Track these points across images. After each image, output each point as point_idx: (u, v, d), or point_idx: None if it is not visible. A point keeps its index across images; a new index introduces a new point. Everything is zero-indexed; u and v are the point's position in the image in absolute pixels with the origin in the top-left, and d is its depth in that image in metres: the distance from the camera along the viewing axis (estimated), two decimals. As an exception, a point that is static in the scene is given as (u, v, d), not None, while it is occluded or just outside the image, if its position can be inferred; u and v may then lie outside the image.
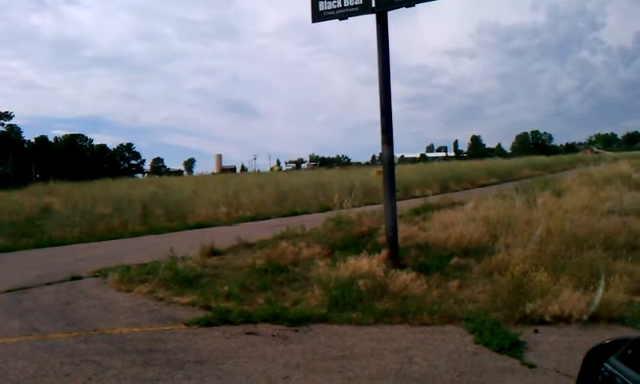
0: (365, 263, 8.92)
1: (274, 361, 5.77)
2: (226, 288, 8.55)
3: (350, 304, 7.52)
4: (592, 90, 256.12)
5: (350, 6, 10.39)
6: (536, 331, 6.57)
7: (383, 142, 10.26)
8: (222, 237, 13.39)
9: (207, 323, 7.13)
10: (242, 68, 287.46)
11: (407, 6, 10.04)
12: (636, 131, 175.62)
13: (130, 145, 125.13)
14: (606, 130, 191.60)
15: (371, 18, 10.29)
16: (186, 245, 12.19)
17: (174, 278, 9.23)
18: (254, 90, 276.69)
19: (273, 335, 6.65)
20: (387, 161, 10.34)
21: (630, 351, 2.19)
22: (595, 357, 2.35)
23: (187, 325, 7.15)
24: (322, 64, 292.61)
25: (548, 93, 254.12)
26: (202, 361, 5.83)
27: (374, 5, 10.18)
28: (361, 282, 8.03)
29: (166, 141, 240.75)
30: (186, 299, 8.33)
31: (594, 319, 6.80)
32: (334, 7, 10.52)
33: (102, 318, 7.70)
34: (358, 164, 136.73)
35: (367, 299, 7.69)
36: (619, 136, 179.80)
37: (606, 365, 2.22)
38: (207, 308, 7.82)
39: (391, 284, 8.23)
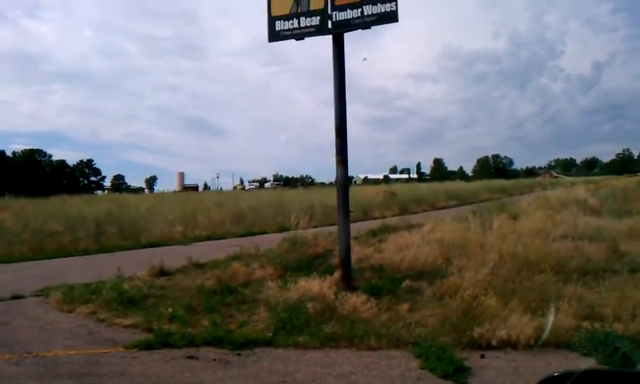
0: (315, 285, 8.81)
1: (212, 387, 5.58)
2: (170, 310, 8.30)
3: (297, 327, 7.34)
4: (552, 116, 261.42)
5: (306, 27, 10.40)
6: (482, 356, 6.50)
7: (338, 163, 10.23)
8: (175, 256, 13.13)
9: (147, 346, 6.85)
10: (205, 86, 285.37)
11: (363, 28, 10.08)
12: (594, 157, 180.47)
13: (90, 161, 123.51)
14: (565, 155, 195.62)
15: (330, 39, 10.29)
16: (136, 264, 11.86)
17: (119, 298, 8.92)
18: (217, 109, 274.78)
19: (214, 359, 6.43)
20: (341, 181, 10.31)
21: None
22: None
23: (126, 348, 6.86)
24: (285, 84, 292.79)
25: (509, 118, 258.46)
26: (138, 386, 5.60)
27: (330, 26, 10.22)
28: (310, 305, 7.89)
29: (127, 158, 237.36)
30: (128, 321, 8.04)
31: (542, 344, 6.78)
32: (291, 27, 10.51)
33: (38, 340, 7.36)
34: (322, 184, 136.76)
35: (315, 322, 7.52)
36: (578, 161, 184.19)
37: None
38: (150, 330, 7.54)
39: (340, 307, 8.10)
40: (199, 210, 24.64)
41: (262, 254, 12.86)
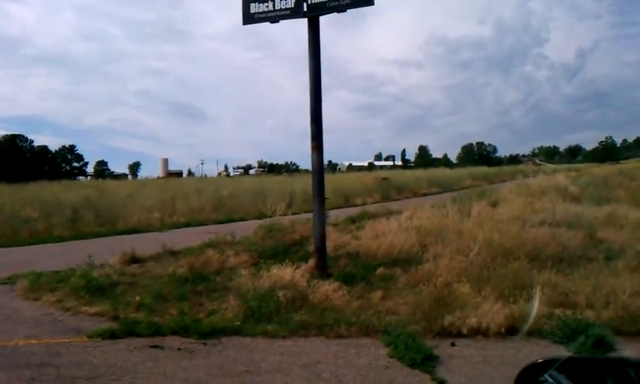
0: (288, 273, 8.66)
1: (174, 377, 5.43)
2: (137, 298, 8.14)
3: (266, 315, 7.23)
4: (536, 104, 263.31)
5: (281, 9, 10.20)
6: (453, 344, 6.43)
7: (313, 149, 10.07)
8: (150, 243, 12.95)
9: (112, 335, 6.69)
10: (191, 71, 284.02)
11: (339, 12, 9.90)
12: (577, 144, 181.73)
13: (72, 147, 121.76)
14: (548, 143, 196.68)
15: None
16: (109, 251, 11.60)
17: (86, 286, 8.70)
18: (202, 94, 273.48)
19: (179, 349, 6.30)
20: (317, 168, 10.16)
21: (562, 370, 2.14)
22: (527, 377, 2.24)
23: (90, 337, 6.69)
24: (271, 69, 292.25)
25: (493, 105, 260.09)
26: (96, 377, 5.42)
27: (305, 9, 10.01)
28: (281, 293, 7.74)
29: (111, 143, 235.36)
30: (94, 309, 7.86)
31: (513, 332, 6.71)
32: (266, 10, 10.31)
33: (0, 329, 7.18)
34: (307, 171, 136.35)
35: (285, 310, 7.41)
36: (561, 149, 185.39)
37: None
38: (116, 319, 7.39)
39: (312, 294, 7.98)
40: (179, 197, 24.39)
41: (238, 242, 12.69)
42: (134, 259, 11.28)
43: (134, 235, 16.57)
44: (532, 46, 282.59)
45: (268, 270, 8.95)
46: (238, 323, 7.05)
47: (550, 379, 2.11)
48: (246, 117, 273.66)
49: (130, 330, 6.82)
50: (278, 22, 10.25)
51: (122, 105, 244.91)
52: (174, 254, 12.18)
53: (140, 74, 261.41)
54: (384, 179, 37.97)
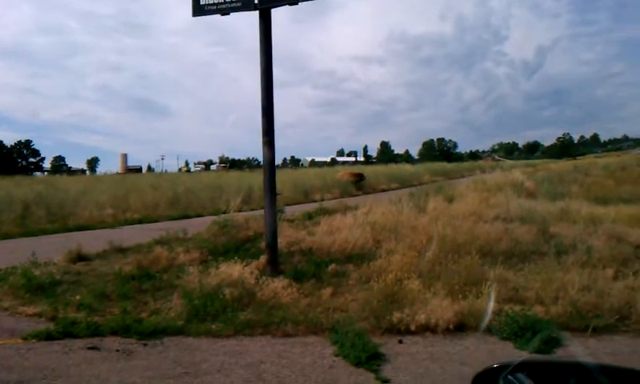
0: (236, 270, 8.47)
1: (108, 380, 5.20)
2: (78, 297, 7.85)
3: (211, 314, 7.03)
4: (496, 101, 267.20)
5: (232, 2, 9.99)
6: (400, 342, 6.35)
7: (264, 144, 9.88)
8: (100, 240, 12.57)
9: (48, 336, 6.39)
10: (151, 66, 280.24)
11: (290, 4, 9.78)
12: (536, 141, 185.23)
13: (28, 142, 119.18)
14: (508, 139, 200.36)
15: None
16: (56, 249, 11.24)
17: (27, 285, 8.34)
18: (163, 89, 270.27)
19: (117, 350, 6.05)
20: (268, 163, 9.97)
21: (517, 375, 2.12)
22: (482, 382, 2.23)
23: (24, 338, 6.37)
24: (232, 64, 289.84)
25: (455, 102, 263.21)
26: (26, 381, 5.14)
27: (256, 1, 9.81)
28: (227, 291, 7.57)
29: (69, 139, 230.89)
30: (33, 309, 7.52)
31: (461, 328, 6.68)
32: (216, 2, 10.08)
33: None
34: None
35: (231, 309, 7.23)
36: (520, 145, 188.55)
37: None
38: (55, 319, 7.09)
39: (260, 292, 7.83)
40: (134, 193, 23.89)
41: (190, 238, 12.45)
42: (81, 257, 10.89)
43: (84, 232, 16.05)
44: (492, 43, 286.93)
45: (217, 268, 8.76)
46: (182, 323, 6.84)
47: None
48: (207, 112, 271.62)
49: (67, 331, 6.53)
50: (228, 14, 10.02)
51: (81, 99, 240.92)
52: (122, 251, 11.83)
53: (99, 68, 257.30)
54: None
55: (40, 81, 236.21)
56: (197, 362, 5.68)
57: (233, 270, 8.48)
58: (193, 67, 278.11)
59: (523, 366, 2.16)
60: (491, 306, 6.91)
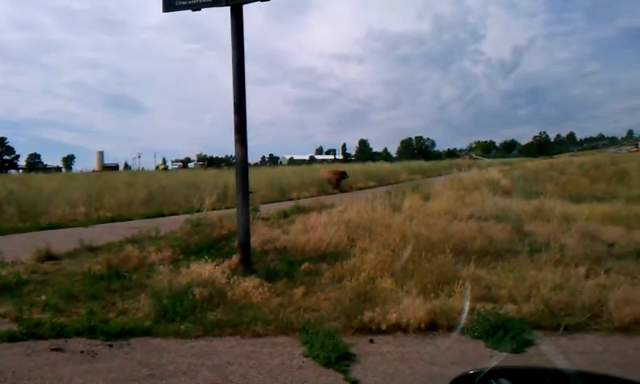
0: (207, 269, 8.34)
1: (71, 382, 5.05)
2: (43, 297, 7.66)
3: (180, 314, 6.88)
4: (473, 99, 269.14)
5: (203, -3, 9.83)
6: (372, 341, 6.28)
7: (236, 141, 9.78)
8: (71, 239, 12.33)
9: (10, 338, 6.19)
10: (127, 62, 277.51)
11: (262, 0, 9.63)
12: (513, 139, 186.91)
13: (2, 139, 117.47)
14: (485, 138, 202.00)
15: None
16: (25, 248, 10.98)
17: (-8, 285, 8.17)
18: (140, 86, 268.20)
19: (82, 351, 5.89)
20: (240, 161, 9.87)
21: (495, 381, 2.13)
22: None
23: (-15, 340, 6.24)
24: (210, 61, 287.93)
25: (432, 100, 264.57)
26: (-16, 385, 5.02)
27: (227, -4, 9.67)
28: (197, 290, 7.44)
29: (45, 136, 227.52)
30: (-4, 310, 7.35)
31: (433, 327, 6.63)
32: (187, -3, 9.90)
33: None
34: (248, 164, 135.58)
35: (201, 309, 7.09)
36: (497, 143, 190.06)
37: None
38: (19, 320, 6.89)
39: (230, 292, 7.70)
40: (108, 190, 23.55)
41: (163, 237, 12.27)
42: (49, 256, 10.66)
43: (56, 231, 15.72)
44: (469, 42, 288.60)
45: (187, 267, 8.63)
46: (149, 323, 6.67)
47: None
48: (185, 109, 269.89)
49: (31, 332, 6.34)
50: (199, 9, 9.88)
51: (57, 96, 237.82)
52: (92, 250, 11.60)
53: (75, 64, 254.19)
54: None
55: (15, 77, 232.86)
56: (163, 364, 5.55)
57: (203, 269, 8.35)
58: (170, 64, 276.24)
59: (500, 372, 2.18)
60: (467, 304, 6.89)
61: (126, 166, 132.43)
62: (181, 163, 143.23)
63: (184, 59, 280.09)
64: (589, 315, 6.85)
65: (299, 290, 8.02)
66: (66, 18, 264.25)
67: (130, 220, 18.95)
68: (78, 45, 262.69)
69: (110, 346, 6.11)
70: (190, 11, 9.98)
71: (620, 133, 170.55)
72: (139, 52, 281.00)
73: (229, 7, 9.76)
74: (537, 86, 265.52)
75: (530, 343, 6.11)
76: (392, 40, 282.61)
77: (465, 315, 6.66)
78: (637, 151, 78.14)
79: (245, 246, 9.61)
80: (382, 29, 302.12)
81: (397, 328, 6.53)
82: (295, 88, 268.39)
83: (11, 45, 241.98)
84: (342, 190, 31.99)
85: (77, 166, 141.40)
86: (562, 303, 7.12)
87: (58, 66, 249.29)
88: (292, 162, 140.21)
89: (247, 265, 9.36)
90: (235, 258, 9.60)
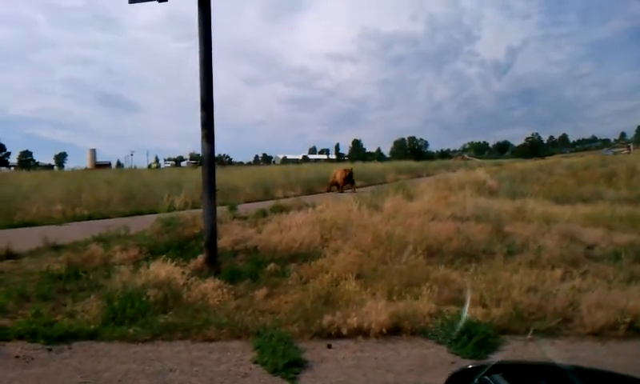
0: (165, 269, 7.99)
1: (-5, 390, 4.75)
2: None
3: (130, 317, 6.55)
4: (467, 100, 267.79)
5: (170, -12, 9.51)
6: (329, 346, 5.99)
7: (203, 138, 9.48)
8: (40, 237, 11.93)
9: (-55, 342, 5.90)
10: (121, 60, 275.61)
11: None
12: (506, 141, 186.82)
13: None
14: (479, 139, 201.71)
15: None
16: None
17: (-61, 286, 7.81)
18: (133, 84, 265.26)
19: (17, 356, 5.57)
20: (207, 158, 9.55)
21: (492, 376, 2.12)
22: (456, 382, 2.25)
23: None
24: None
25: (426, 101, 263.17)
26: None
27: (195, -11, 9.34)
28: (151, 292, 7.11)
29: (37, 133, 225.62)
30: (-61, 311, 6.98)
31: (396, 332, 6.34)
32: (154, -12, 9.58)
33: None
34: (241, 163, 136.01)
35: (153, 312, 6.77)
36: (491, 145, 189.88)
37: None
38: (-38, 322, 6.56)
39: (187, 293, 7.38)
40: (88, 188, 23.15)
41: (133, 236, 11.91)
42: (10, 254, 10.30)
43: (28, 229, 15.31)
44: (463, 43, 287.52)
45: (147, 267, 8.28)
46: (96, 326, 6.35)
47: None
48: (178, 108, 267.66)
49: (-31, 335, 6.02)
50: (166, 0, 9.56)
51: (49, 94, 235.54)
52: (57, 248, 11.19)
53: (67, 62, 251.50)
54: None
55: (6, 75, 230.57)
56: (99, 370, 5.23)
57: (161, 269, 7.99)
58: (162, 62, 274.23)
59: (499, 368, 2.17)
60: (467, 309, 6.64)
61: (119, 164, 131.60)
62: (174, 162, 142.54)
63: (177, 58, 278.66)
64: (560, 319, 6.62)
65: (261, 292, 7.73)
66: (58, 15, 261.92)
67: (107, 218, 18.47)
68: (70, 42, 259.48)
69: (50, 350, 5.79)
70: (157, 3, 9.68)
71: (613, 135, 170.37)
72: (132, 50, 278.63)
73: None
74: (531, 87, 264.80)
75: (494, 349, 5.85)
76: (386, 40, 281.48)
77: (463, 321, 6.37)
78: (628, 153, 77.92)
79: (211, 245, 9.29)
80: (375, 29, 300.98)
81: (358, 332, 6.28)
82: (289, 87, 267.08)
83: (2, 42, 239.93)
84: (329, 189, 31.44)
85: (69, 164, 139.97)
86: (533, 307, 6.90)
87: (50, 64, 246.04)
88: (285, 161, 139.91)
89: (213, 265, 9.04)
90: (201, 257, 9.27)
